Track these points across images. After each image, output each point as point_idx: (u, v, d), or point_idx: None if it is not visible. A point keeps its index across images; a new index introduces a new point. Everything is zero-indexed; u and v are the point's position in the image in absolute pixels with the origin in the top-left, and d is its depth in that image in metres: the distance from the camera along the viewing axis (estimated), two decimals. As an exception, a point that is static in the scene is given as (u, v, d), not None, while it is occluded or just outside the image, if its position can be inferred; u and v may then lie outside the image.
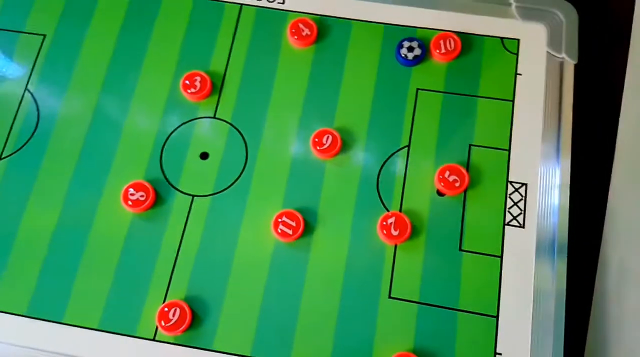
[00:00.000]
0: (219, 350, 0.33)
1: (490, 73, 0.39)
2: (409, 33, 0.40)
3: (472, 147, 0.37)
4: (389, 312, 0.33)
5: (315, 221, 0.35)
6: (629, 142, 0.38)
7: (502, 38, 0.39)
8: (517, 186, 0.36)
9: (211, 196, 0.36)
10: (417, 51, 0.39)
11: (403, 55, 0.38)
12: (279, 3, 0.41)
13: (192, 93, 0.38)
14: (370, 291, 0.34)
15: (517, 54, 0.39)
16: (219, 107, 0.38)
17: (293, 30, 0.39)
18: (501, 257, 0.34)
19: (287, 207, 0.35)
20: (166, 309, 0.33)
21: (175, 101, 0.38)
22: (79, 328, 0.33)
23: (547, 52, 0.39)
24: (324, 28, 0.40)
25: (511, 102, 0.38)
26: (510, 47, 0.39)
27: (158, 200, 0.36)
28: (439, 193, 0.36)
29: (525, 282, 0.34)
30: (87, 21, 0.40)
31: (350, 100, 0.38)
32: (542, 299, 0.34)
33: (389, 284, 0.34)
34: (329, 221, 0.35)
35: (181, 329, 0.33)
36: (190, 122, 0.38)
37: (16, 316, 0.34)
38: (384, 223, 0.35)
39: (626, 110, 0.39)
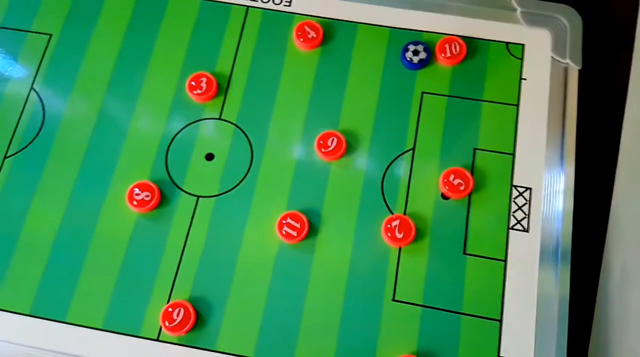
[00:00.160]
0: (222, 351, 0.33)
1: (495, 77, 0.39)
2: (415, 37, 0.40)
3: (477, 151, 0.37)
4: (392, 314, 0.33)
5: (320, 222, 0.35)
6: (633, 147, 0.38)
7: (507, 43, 0.40)
8: (521, 190, 0.36)
9: (216, 197, 0.36)
10: (423, 55, 0.39)
11: (408, 59, 0.39)
12: (285, 5, 0.41)
13: (197, 94, 0.38)
14: (374, 293, 0.34)
15: (521, 59, 0.39)
16: (224, 109, 0.38)
17: (299, 33, 0.39)
18: (505, 261, 0.34)
19: (291, 208, 0.36)
20: (170, 309, 0.33)
21: (181, 102, 0.38)
22: (82, 328, 0.33)
23: (552, 57, 0.39)
24: (330, 31, 0.40)
25: (516, 107, 0.38)
26: (515, 52, 0.39)
27: (163, 200, 0.36)
28: (444, 196, 0.36)
29: (529, 286, 0.34)
30: (93, 21, 0.41)
31: (355, 102, 0.38)
32: (545, 303, 0.34)
33: (392, 286, 0.34)
34: (333, 223, 0.35)
35: (185, 329, 0.33)
36: (195, 123, 0.38)
37: (19, 315, 0.34)
38: (388, 226, 0.35)
39: (630, 115, 0.39)
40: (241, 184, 0.36)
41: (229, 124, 0.38)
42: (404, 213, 0.36)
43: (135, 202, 0.35)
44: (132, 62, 0.39)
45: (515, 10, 0.40)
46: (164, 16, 0.40)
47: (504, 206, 0.36)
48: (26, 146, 0.37)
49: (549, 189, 0.36)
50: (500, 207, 0.36)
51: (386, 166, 0.37)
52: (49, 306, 0.34)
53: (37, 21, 0.41)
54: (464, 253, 0.35)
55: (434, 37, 0.40)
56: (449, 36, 0.39)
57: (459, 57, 0.39)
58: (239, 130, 0.38)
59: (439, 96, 0.38)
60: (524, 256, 0.35)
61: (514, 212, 0.36)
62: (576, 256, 0.35)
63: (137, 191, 0.35)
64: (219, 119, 0.38)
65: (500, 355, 0.33)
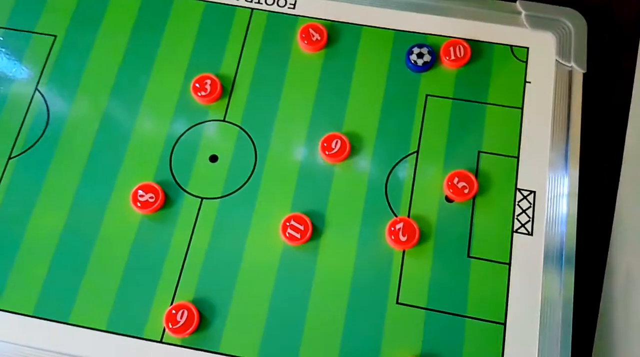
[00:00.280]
0: (225, 353, 0.33)
1: (499, 80, 0.39)
2: (419, 39, 0.40)
3: (481, 154, 0.37)
4: (396, 317, 0.33)
5: (323, 225, 0.35)
6: (637, 151, 0.38)
7: (511, 46, 0.40)
8: (525, 193, 0.36)
9: (220, 199, 0.36)
10: (427, 57, 0.39)
11: (413, 62, 0.39)
12: (289, 8, 0.41)
13: (202, 96, 0.38)
14: (377, 296, 0.34)
15: (526, 62, 0.39)
16: (228, 111, 0.38)
17: (303, 35, 0.39)
18: (509, 264, 0.34)
19: (295, 210, 0.36)
20: (174, 311, 0.33)
21: (186, 104, 0.38)
22: (85, 329, 0.33)
23: (556, 60, 0.39)
24: (334, 33, 0.40)
25: (520, 110, 0.38)
26: (519, 55, 0.39)
27: (167, 202, 0.36)
28: (448, 199, 0.36)
29: (533, 289, 0.34)
30: (98, 23, 0.41)
31: (359, 105, 0.38)
32: (549, 307, 0.34)
33: (396, 289, 0.34)
34: (337, 226, 0.35)
35: (188, 331, 0.33)
36: (200, 125, 0.38)
37: (23, 316, 0.34)
38: (392, 228, 0.35)
39: (634, 118, 0.39)
40: (245, 186, 0.36)
41: (233, 126, 0.38)
42: (408, 216, 0.36)
43: (139, 204, 0.35)
44: (137, 63, 0.39)
45: (519, 13, 0.40)
46: (169, 18, 0.41)
47: (508, 209, 0.36)
48: (30, 147, 0.37)
49: (553, 192, 0.36)
50: (504, 210, 0.36)
51: (390, 169, 0.37)
52: (53, 307, 0.34)
53: (42, 22, 0.41)
54: (468, 256, 0.35)
55: (438, 40, 0.40)
56: (453, 39, 0.39)
57: (464, 60, 0.39)
58: (243, 132, 0.38)
59: (443, 99, 0.38)
60: (528, 259, 0.35)
61: (518, 215, 0.36)
62: (580, 259, 0.35)
63: (141, 192, 0.35)
64: (223, 120, 0.38)
65: (504, 358, 0.33)
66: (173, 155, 0.37)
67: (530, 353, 0.33)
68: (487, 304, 0.34)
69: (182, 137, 0.38)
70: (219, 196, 0.36)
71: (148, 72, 0.39)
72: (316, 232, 0.35)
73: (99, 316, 0.33)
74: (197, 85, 0.38)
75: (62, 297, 0.34)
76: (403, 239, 0.34)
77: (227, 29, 0.40)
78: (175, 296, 0.34)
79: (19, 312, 0.34)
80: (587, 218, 0.37)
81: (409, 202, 0.36)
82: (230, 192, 0.36)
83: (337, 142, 0.37)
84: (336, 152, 0.36)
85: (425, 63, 0.39)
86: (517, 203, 0.36)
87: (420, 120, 0.38)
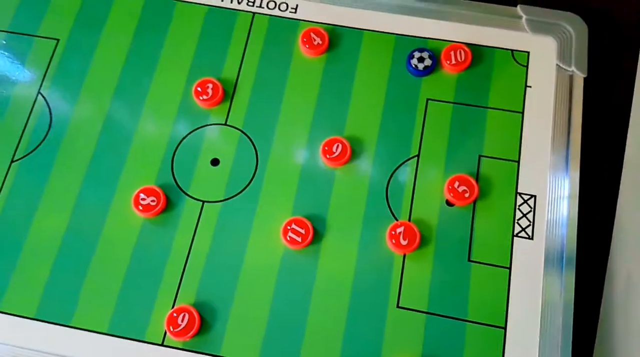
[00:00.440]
0: (226, 356, 0.33)
1: (500, 85, 0.39)
2: (420, 44, 0.40)
3: (482, 158, 0.37)
4: (397, 321, 0.33)
5: (324, 228, 0.36)
6: (638, 155, 0.38)
7: (512, 50, 0.40)
8: (526, 197, 0.36)
9: (221, 202, 0.36)
10: (428, 62, 0.39)
11: (413, 66, 0.39)
12: (291, 12, 0.41)
13: (204, 100, 0.38)
14: (378, 300, 0.34)
15: (527, 67, 0.39)
16: (230, 114, 0.39)
17: (305, 39, 0.39)
18: (509, 268, 0.35)
19: (296, 214, 0.36)
20: (175, 314, 0.33)
21: (187, 107, 0.39)
22: (87, 332, 0.33)
23: (557, 64, 0.39)
24: (336, 37, 0.40)
25: (521, 114, 0.38)
26: (520, 59, 0.40)
27: (169, 205, 0.36)
28: (448, 203, 0.36)
29: (534, 293, 0.34)
30: (100, 27, 0.41)
31: (360, 109, 0.38)
32: (550, 310, 0.34)
33: (397, 293, 0.34)
34: (337, 229, 0.36)
35: (190, 334, 0.33)
36: (201, 129, 0.38)
37: (24, 319, 0.34)
38: (393, 232, 0.35)
39: (635, 123, 0.40)
40: (246, 189, 0.37)
41: (235, 130, 0.38)
42: (409, 220, 0.36)
43: (141, 207, 0.35)
44: (139, 67, 0.40)
45: (520, 17, 0.41)
46: (171, 22, 0.41)
47: (508, 213, 0.36)
48: (33, 150, 0.38)
49: (554, 196, 0.36)
50: (505, 214, 0.36)
51: (391, 173, 0.37)
52: (54, 310, 0.34)
53: (45, 26, 0.41)
54: (469, 260, 0.35)
55: (439, 44, 0.40)
56: (454, 43, 0.39)
57: (464, 64, 0.39)
58: (245, 136, 0.38)
59: (444, 103, 0.38)
60: (528, 263, 0.35)
61: (518, 219, 0.36)
62: (581, 263, 0.35)
63: (142, 195, 0.36)
64: (225, 124, 0.38)
65: (505, 363, 0.33)
66: (175, 158, 0.37)
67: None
68: (488, 308, 0.34)
69: (184, 140, 0.38)
70: (221, 199, 0.36)
71: (150, 76, 0.39)
72: (317, 236, 0.35)
73: (100, 318, 0.34)
74: (198, 89, 0.38)
75: (64, 300, 0.34)
76: (404, 243, 0.34)
77: (229, 33, 0.40)
78: (177, 299, 0.34)
79: (21, 314, 0.34)
80: (587, 222, 0.37)
81: (409, 206, 0.36)
82: (232, 195, 0.36)
83: (338, 146, 0.37)
84: (337, 156, 0.37)
85: (426, 67, 0.39)
86: (517, 207, 0.36)
87: (421, 124, 0.38)
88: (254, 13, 0.41)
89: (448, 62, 0.39)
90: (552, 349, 0.33)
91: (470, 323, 0.33)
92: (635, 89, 0.41)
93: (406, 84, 0.39)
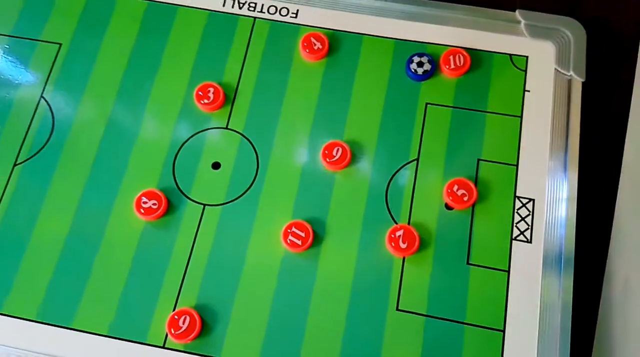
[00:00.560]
0: (227, 358, 0.33)
1: (498, 89, 0.39)
2: (419, 48, 0.40)
3: (481, 161, 0.37)
4: (396, 324, 0.34)
5: (324, 232, 0.36)
6: (635, 160, 0.38)
7: (510, 55, 0.40)
8: (524, 201, 0.36)
9: (222, 206, 0.37)
10: (427, 66, 0.39)
11: (413, 70, 0.39)
12: (291, 17, 0.41)
13: (205, 104, 0.38)
14: (378, 302, 0.34)
15: (525, 71, 0.40)
16: (231, 118, 0.39)
17: (305, 44, 0.40)
18: (508, 271, 0.35)
19: (296, 217, 0.36)
20: (176, 316, 0.33)
21: (189, 111, 0.39)
22: (88, 334, 0.34)
23: (555, 69, 0.39)
24: (336, 42, 0.41)
25: (519, 118, 0.38)
26: (518, 64, 0.40)
27: (170, 208, 0.36)
28: (447, 207, 0.36)
29: (532, 296, 0.34)
30: (102, 31, 0.41)
31: (360, 113, 0.39)
32: (548, 313, 0.34)
33: (396, 296, 0.34)
34: (337, 232, 0.36)
35: (191, 337, 0.33)
36: (202, 132, 0.38)
37: (26, 321, 0.34)
38: (392, 235, 0.35)
39: (632, 127, 0.40)
40: (247, 192, 0.37)
41: (236, 134, 0.38)
42: (408, 223, 0.36)
43: (142, 210, 0.36)
44: (141, 72, 0.40)
45: (519, 22, 0.41)
46: (173, 27, 0.41)
47: (507, 217, 0.36)
48: (35, 154, 0.38)
49: (552, 200, 0.36)
50: (503, 218, 0.36)
51: (390, 176, 0.37)
52: (56, 312, 0.34)
53: (47, 30, 0.41)
54: (468, 263, 0.35)
55: (438, 49, 0.40)
56: (453, 48, 0.40)
57: (463, 68, 0.39)
58: (245, 140, 0.38)
59: (443, 107, 0.39)
60: (526, 266, 0.35)
61: (517, 223, 0.36)
62: (579, 267, 0.35)
63: (144, 199, 0.36)
64: (226, 128, 0.39)
65: (503, 365, 0.33)
66: (176, 162, 0.38)
67: (529, 360, 0.33)
68: (486, 311, 0.34)
69: (185, 144, 0.38)
70: (221, 202, 0.37)
71: (152, 80, 0.40)
72: (317, 239, 0.36)
73: (102, 321, 0.34)
74: (200, 93, 0.39)
75: (66, 302, 0.34)
76: (403, 246, 0.35)
77: (230, 37, 0.41)
78: (178, 302, 0.34)
79: (23, 317, 0.34)
80: (585, 226, 0.37)
81: (409, 209, 0.36)
82: (232, 199, 0.37)
83: (338, 149, 0.37)
84: (337, 159, 0.37)
85: (425, 72, 0.39)
86: (516, 211, 0.36)
87: (421, 128, 0.38)
88: (254, 18, 0.41)
89: (447, 66, 0.39)
90: (550, 351, 0.33)
91: (469, 326, 0.34)
92: (633, 94, 0.41)
93: (405, 89, 0.39)
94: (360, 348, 0.33)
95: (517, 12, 0.41)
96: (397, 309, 0.34)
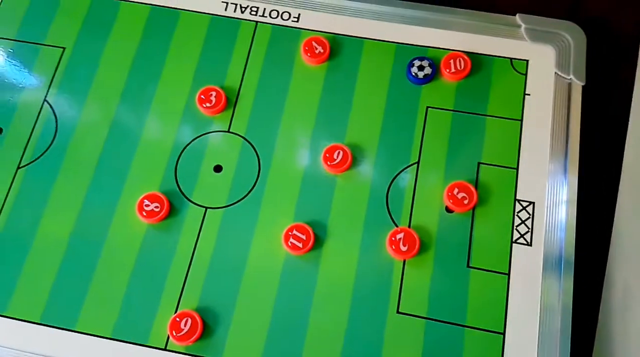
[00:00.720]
0: (228, 361, 0.33)
1: (499, 93, 0.39)
2: (420, 52, 0.40)
3: (481, 165, 0.38)
4: (397, 327, 0.34)
5: (325, 234, 0.36)
6: (636, 163, 0.38)
7: (511, 59, 0.40)
8: (524, 204, 0.37)
9: (224, 208, 0.37)
10: (428, 70, 0.39)
11: (413, 74, 0.39)
12: (293, 21, 0.42)
13: (207, 107, 0.39)
14: (378, 305, 0.34)
15: (525, 75, 0.40)
16: (233, 122, 0.39)
17: (306, 48, 0.40)
18: (508, 274, 0.35)
19: (297, 220, 0.36)
20: (178, 319, 0.33)
21: (191, 115, 0.39)
22: (91, 336, 0.34)
23: (555, 73, 0.40)
24: (337, 46, 0.41)
25: (519, 122, 0.39)
26: (519, 67, 0.40)
27: (172, 211, 0.37)
28: (448, 210, 0.37)
29: (532, 299, 0.34)
30: (105, 35, 0.41)
31: (361, 116, 0.39)
32: (548, 316, 0.34)
33: (397, 299, 0.34)
34: (338, 235, 0.36)
35: (192, 339, 0.33)
36: (204, 136, 0.39)
37: (30, 323, 0.34)
38: (393, 238, 0.35)
39: (632, 131, 0.40)
40: (248, 195, 0.37)
41: (237, 137, 0.39)
42: (409, 226, 0.36)
43: (144, 213, 0.36)
44: (144, 75, 0.40)
45: (519, 26, 0.41)
46: (175, 31, 0.41)
47: (507, 220, 0.36)
48: (39, 157, 0.38)
49: (552, 203, 0.37)
50: (503, 221, 0.36)
51: (391, 179, 0.37)
52: (59, 315, 0.34)
53: (51, 35, 0.42)
54: (468, 266, 0.35)
55: (439, 53, 0.40)
56: (453, 52, 0.40)
57: (464, 72, 0.39)
58: (247, 143, 0.39)
59: (444, 111, 0.39)
60: (526, 269, 0.35)
61: (517, 226, 0.36)
62: (579, 270, 0.35)
63: (146, 201, 0.36)
64: (228, 131, 0.39)
65: (503, 368, 0.33)
66: (178, 165, 0.38)
67: (529, 363, 0.33)
68: (487, 314, 0.34)
69: (188, 147, 0.38)
70: (223, 205, 0.37)
71: (154, 84, 0.40)
72: (318, 242, 0.36)
73: (104, 323, 0.34)
74: (202, 96, 0.39)
75: (69, 305, 0.34)
76: (403, 248, 0.35)
77: (232, 41, 0.41)
78: (180, 304, 0.34)
79: (26, 319, 0.34)
80: (586, 229, 0.37)
81: (409, 212, 0.37)
82: (234, 201, 0.37)
83: (339, 152, 0.37)
84: (338, 162, 0.37)
85: (426, 75, 0.39)
86: (516, 214, 0.36)
87: (421, 131, 0.38)
88: (256, 22, 0.42)
89: (448, 70, 0.39)
90: (550, 354, 0.33)
91: (469, 329, 0.34)
92: (633, 98, 0.41)
93: (406, 92, 0.40)
94: (361, 350, 0.33)
95: (517, 16, 0.41)
96: (398, 312, 0.34)
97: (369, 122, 0.39)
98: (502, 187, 0.37)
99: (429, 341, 0.33)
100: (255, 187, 0.37)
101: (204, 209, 0.37)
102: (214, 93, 0.39)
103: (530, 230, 0.36)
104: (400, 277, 0.35)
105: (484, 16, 0.42)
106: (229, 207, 0.37)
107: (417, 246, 0.35)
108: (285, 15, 0.42)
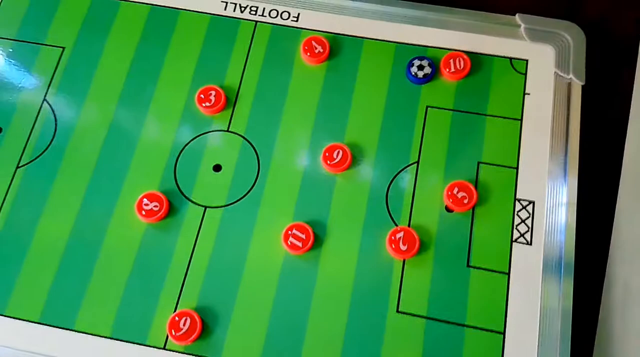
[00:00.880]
0: (228, 360, 0.33)
1: (498, 92, 0.39)
2: (420, 52, 0.40)
3: (481, 164, 0.37)
4: (396, 326, 0.34)
5: (325, 234, 0.36)
6: (635, 162, 0.38)
7: (510, 58, 0.40)
8: (524, 203, 0.36)
9: (223, 208, 0.37)
10: (427, 70, 0.39)
11: (413, 74, 0.39)
12: (292, 21, 0.42)
13: (206, 107, 0.39)
14: (378, 304, 0.34)
15: (525, 74, 0.40)
16: (232, 121, 0.39)
17: (306, 48, 0.40)
18: (508, 274, 0.35)
19: (297, 219, 0.36)
20: (177, 318, 0.33)
21: (190, 114, 0.39)
22: (90, 336, 0.34)
23: (555, 72, 0.40)
24: (336, 46, 0.41)
25: (519, 121, 0.39)
26: (518, 67, 0.40)
27: (171, 210, 0.37)
28: (448, 209, 0.37)
29: (532, 298, 0.34)
30: (105, 35, 0.42)
31: (360, 116, 0.39)
32: (548, 316, 0.34)
33: (397, 298, 0.34)
34: (338, 235, 0.36)
35: (191, 338, 0.33)
36: (204, 135, 0.39)
37: (29, 323, 0.34)
38: (393, 238, 0.35)
39: (632, 130, 0.40)
40: (248, 195, 0.37)
41: (237, 136, 0.39)
42: (408, 225, 0.36)
43: (144, 212, 0.36)
44: (143, 75, 0.40)
45: (519, 26, 0.41)
46: (175, 31, 0.41)
47: (507, 219, 0.36)
48: (38, 156, 0.38)
49: (552, 202, 0.36)
50: (503, 220, 0.36)
51: (391, 179, 0.37)
52: (58, 314, 0.34)
53: (51, 34, 0.42)
54: (468, 266, 0.35)
55: (438, 53, 0.40)
56: (453, 51, 0.40)
57: (463, 72, 0.39)
58: (247, 142, 0.39)
59: (444, 110, 0.39)
60: (527, 268, 0.35)
61: (517, 225, 0.36)
62: (579, 269, 0.35)
63: (146, 201, 0.36)
64: (227, 131, 0.39)
65: (504, 368, 0.33)
66: (178, 164, 0.38)
67: (530, 362, 0.33)
68: (487, 313, 0.34)
69: (187, 147, 0.38)
70: (222, 204, 0.37)
71: (154, 84, 0.40)
72: (317, 241, 0.36)
73: (103, 323, 0.34)
74: (201, 96, 0.39)
75: (68, 304, 0.34)
76: (403, 248, 0.35)
77: (231, 41, 0.41)
78: (179, 304, 0.34)
79: (25, 318, 0.34)
80: (585, 228, 0.37)
81: (409, 211, 0.36)
82: (233, 201, 0.37)
83: (338, 152, 0.37)
84: (338, 162, 0.37)
85: (425, 75, 0.39)
86: (516, 213, 0.36)
87: (421, 131, 0.38)
88: (256, 22, 0.42)
89: (447, 70, 0.39)
90: (550, 354, 0.33)
91: (469, 328, 0.34)
92: (632, 97, 0.41)
93: (406, 92, 0.40)
94: (361, 350, 0.33)
95: (517, 16, 0.41)
96: (398, 312, 0.34)
97: (369, 122, 0.39)
98: (502, 187, 0.37)
99: (429, 341, 0.33)
100: (254, 187, 0.37)
101: (204, 208, 0.37)
102: (213, 92, 0.39)
103: (530, 229, 0.36)
104: (400, 276, 0.35)
105: (483, 16, 0.42)
106: (228, 207, 0.37)
107: (416, 246, 0.35)
108: (285, 15, 0.42)
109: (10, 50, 0.41)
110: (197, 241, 0.36)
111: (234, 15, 0.42)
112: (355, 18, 0.42)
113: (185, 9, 0.42)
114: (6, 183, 0.37)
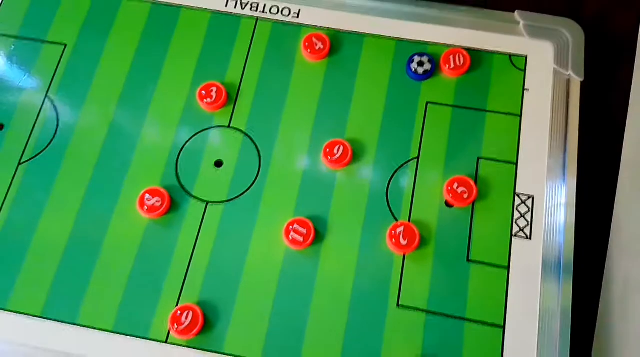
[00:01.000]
0: (229, 354, 0.33)
1: (498, 88, 0.40)
2: (420, 48, 0.41)
3: (480, 160, 0.38)
4: (397, 320, 0.34)
5: (326, 229, 0.36)
6: (634, 158, 0.38)
7: (510, 55, 0.40)
8: (524, 198, 0.37)
9: (225, 203, 0.37)
10: (427, 66, 0.40)
11: (413, 70, 0.39)
12: (293, 17, 0.42)
13: (208, 103, 0.39)
14: (378, 299, 0.34)
15: (524, 71, 0.40)
16: (233, 117, 0.39)
17: (307, 44, 0.40)
18: (508, 268, 0.35)
19: (298, 215, 0.36)
20: (179, 312, 0.33)
21: (192, 111, 0.39)
22: (92, 330, 0.34)
23: (554, 69, 0.40)
24: (337, 42, 0.41)
25: (519, 117, 0.39)
26: (518, 63, 0.40)
27: (173, 206, 0.37)
28: (448, 204, 0.37)
29: (532, 292, 0.34)
30: (107, 32, 0.42)
31: (361, 112, 0.39)
32: (548, 309, 0.34)
33: (397, 292, 0.35)
34: (339, 230, 0.36)
35: (193, 332, 0.33)
36: (205, 131, 0.39)
37: (31, 317, 0.34)
38: (393, 233, 0.35)
39: (631, 126, 0.40)
40: (249, 190, 0.37)
41: (238, 132, 0.39)
42: (409, 220, 0.36)
43: (146, 208, 0.36)
44: (145, 71, 0.40)
45: (518, 23, 0.41)
46: (176, 27, 0.42)
47: (507, 214, 0.36)
48: (40, 152, 0.38)
49: (551, 197, 0.37)
50: (503, 215, 0.36)
51: (391, 174, 0.38)
52: (60, 308, 0.34)
53: (53, 32, 0.42)
54: (468, 260, 0.35)
55: (438, 49, 0.41)
56: (453, 48, 0.40)
57: (463, 68, 0.39)
58: (248, 138, 0.39)
59: (444, 106, 0.39)
60: (526, 262, 0.35)
61: (516, 219, 0.36)
62: (578, 265, 0.35)
63: (148, 196, 0.36)
64: (228, 127, 0.39)
65: (503, 361, 0.33)
66: (179, 160, 0.38)
67: (530, 355, 0.33)
68: (487, 307, 0.34)
69: (188, 143, 0.39)
70: (224, 200, 0.37)
71: (155, 80, 0.40)
72: (318, 236, 0.36)
73: (105, 317, 0.34)
74: (203, 92, 0.39)
75: (70, 299, 0.35)
76: (404, 243, 0.35)
77: (232, 37, 0.41)
78: (180, 298, 0.35)
79: (27, 313, 0.34)
80: (585, 224, 0.37)
81: (409, 207, 0.37)
82: (235, 196, 0.37)
83: (339, 148, 0.37)
84: (338, 158, 0.37)
85: (425, 71, 0.39)
86: (515, 208, 0.36)
87: (421, 127, 0.39)
88: (257, 18, 0.42)
89: (447, 66, 0.40)
90: (550, 347, 0.33)
91: (470, 322, 0.34)
92: (631, 93, 0.41)
93: (406, 88, 0.40)
94: (362, 343, 0.33)
95: (516, 13, 0.41)
96: (398, 306, 0.34)
97: (369, 118, 0.39)
98: (502, 182, 0.37)
99: (429, 334, 0.34)
100: (255, 182, 0.37)
101: (205, 203, 0.37)
102: (214, 89, 0.39)
103: (529, 223, 0.36)
104: (400, 271, 0.35)
105: (483, 13, 0.42)
106: (229, 202, 0.37)
107: (417, 240, 0.35)
108: (286, 12, 0.42)
109: (13, 47, 0.42)
110: (199, 236, 0.36)
111: (235, 12, 0.42)
112: (356, 15, 0.42)
113: (186, 6, 0.42)
114: (8, 179, 0.38)
